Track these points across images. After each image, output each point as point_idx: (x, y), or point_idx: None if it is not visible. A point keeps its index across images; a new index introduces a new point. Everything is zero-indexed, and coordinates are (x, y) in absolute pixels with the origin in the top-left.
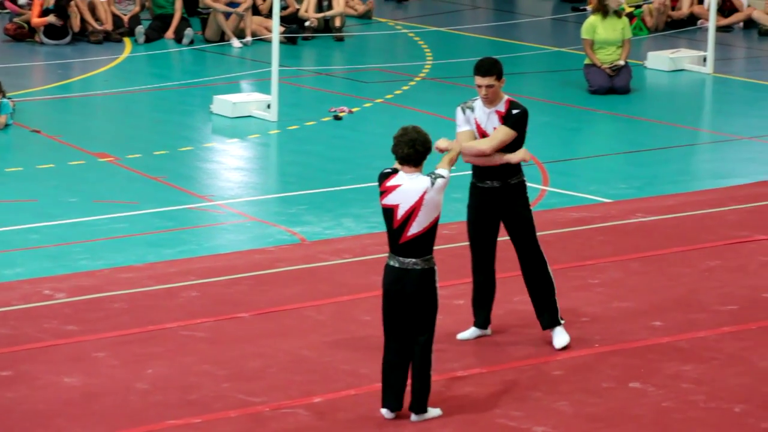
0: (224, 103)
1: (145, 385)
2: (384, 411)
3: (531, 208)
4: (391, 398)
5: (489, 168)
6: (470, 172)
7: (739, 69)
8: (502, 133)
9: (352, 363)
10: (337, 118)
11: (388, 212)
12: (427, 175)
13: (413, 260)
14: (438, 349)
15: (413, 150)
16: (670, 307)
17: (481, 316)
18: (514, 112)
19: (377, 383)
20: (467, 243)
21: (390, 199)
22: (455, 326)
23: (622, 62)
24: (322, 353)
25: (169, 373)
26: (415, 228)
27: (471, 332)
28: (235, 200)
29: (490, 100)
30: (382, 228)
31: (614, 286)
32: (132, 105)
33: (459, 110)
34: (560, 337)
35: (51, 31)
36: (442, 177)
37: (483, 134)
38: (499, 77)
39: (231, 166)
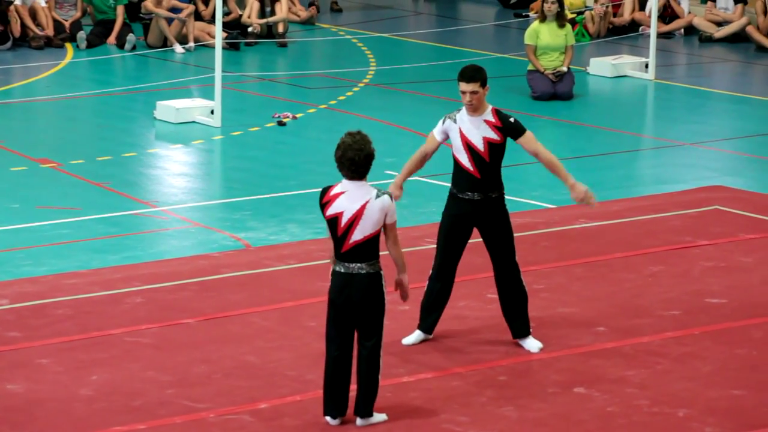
0: (167, 109)
1: (89, 391)
2: (328, 419)
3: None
4: (334, 405)
5: (471, 180)
6: (448, 183)
7: (680, 75)
8: (531, 139)
9: (297, 369)
10: (281, 123)
11: (333, 221)
12: (374, 188)
13: (359, 265)
14: (383, 354)
15: (354, 165)
16: (613, 312)
17: (429, 321)
18: (511, 120)
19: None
20: (411, 249)
21: (333, 208)
22: (400, 332)
23: (564, 68)
24: (267, 359)
25: (114, 379)
26: (358, 235)
27: (416, 336)
28: (179, 206)
29: (474, 108)
30: (325, 234)
31: (558, 291)
32: (74, 111)
33: (442, 119)
34: (532, 343)
35: None
36: (390, 198)
37: (467, 143)
38: (483, 84)
39: (175, 172)
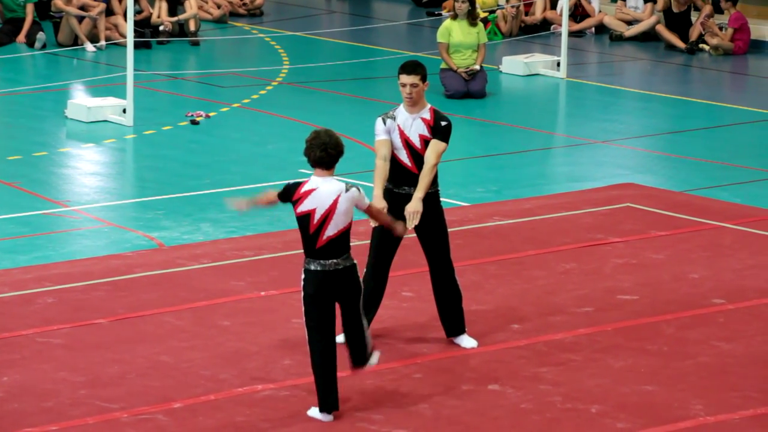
0: (79, 108)
1: (0, 392)
2: (323, 416)
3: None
4: (331, 399)
5: (408, 176)
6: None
7: (591, 73)
8: (440, 148)
9: (211, 368)
10: (194, 122)
11: (304, 218)
12: (343, 182)
13: (334, 261)
14: (298, 353)
15: (325, 153)
16: (527, 309)
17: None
18: (443, 124)
19: (237, 388)
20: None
21: (305, 205)
22: None
23: (477, 66)
24: (181, 359)
25: (25, 380)
26: (331, 230)
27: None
28: (91, 205)
29: (413, 102)
30: (239, 233)
31: (472, 289)
32: None
33: (379, 120)
34: (467, 341)
35: None
36: (357, 190)
37: (406, 140)
38: (423, 79)
39: (87, 171)
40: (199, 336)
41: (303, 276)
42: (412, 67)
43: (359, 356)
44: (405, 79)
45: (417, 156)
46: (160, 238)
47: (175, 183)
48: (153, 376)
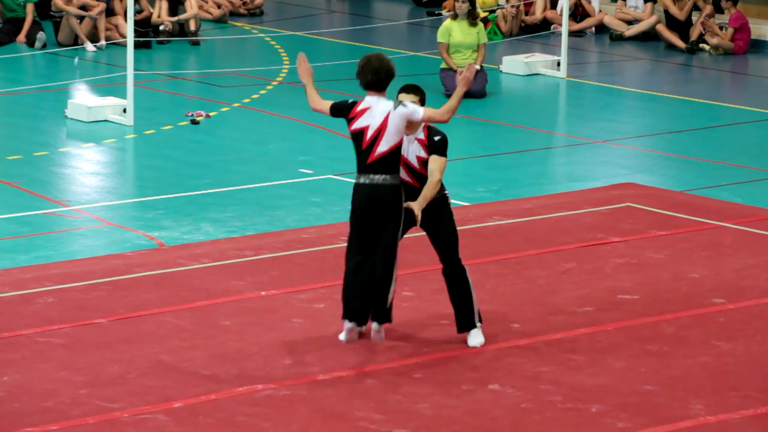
0: (79, 108)
1: (0, 392)
2: (348, 323)
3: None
4: (353, 307)
5: (412, 190)
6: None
7: (591, 73)
8: (440, 163)
9: (211, 368)
10: (194, 122)
11: (358, 135)
12: (392, 101)
13: (382, 176)
14: (298, 353)
15: (377, 77)
16: (527, 309)
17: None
18: (436, 139)
19: (238, 388)
20: (325, 247)
21: (359, 123)
22: (317, 329)
23: (477, 66)
24: (181, 358)
25: (25, 380)
26: (383, 146)
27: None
28: (91, 205)
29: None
30: (239, 232)
31: (473, 288)
32: None
33: None
34: (472, 339)
35: None
36: (405, 107)
37: (404, 161)
38: (422, 102)
39: (87, 171)
40: (200, 336)
41: (352, 191)
42: (411, 88)
43: (381, 309)
44: (403, 97)
45: (416, 173)
46: (160, 238)
47: (176, 183)
48: (153, 376)
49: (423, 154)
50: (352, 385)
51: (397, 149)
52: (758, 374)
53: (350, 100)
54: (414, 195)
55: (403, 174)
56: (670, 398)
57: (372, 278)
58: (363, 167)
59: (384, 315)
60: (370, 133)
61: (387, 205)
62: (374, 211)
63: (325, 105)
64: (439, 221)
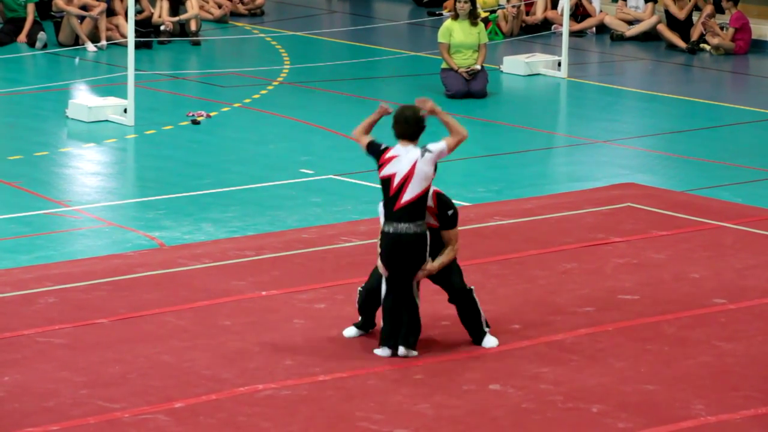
0: (80, 108)
1: (1, 392)
2: (383, 350)
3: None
4: (393, 338)
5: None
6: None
7: (592, 73)
8: (455, 234)
9: (212, 368)
10: (195, 122)
11: (386, 182)
12: (420, 148)
13: (406, 225)
14: (299, 353)
15: (408, 128)
16: (528, 309)
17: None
18: (450, 213)
19: (239, 387)
20: (326, 247)
21: (387, 170)
22: (318, 330)
23: (478, 66)
24: (182, 358)
25: (26, 380)
26: (408, 194)
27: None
28: (92, 205)
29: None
30: (240, 233)
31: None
32: None
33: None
34: (487, 341)
35: None
36: (430, 152)
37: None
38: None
39: (88, 171)
40: (201, 336)
41: (378, 238)
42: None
43: (409, 336)
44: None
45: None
46: (161, 238)
47: (176, 183)
48: (154, 376)
49: (431, 221)
50: (353, 386)
51: (423, 197)
52: (759, 374)
53: (383, 146)
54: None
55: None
56: (670, 398)
57: (402, 314)
58: (389, 215)
59: (412, 342)
60: (396, 181)
61: (412, 253)
62: (400, 258)
63: (364, 140)
64: (448, 266)
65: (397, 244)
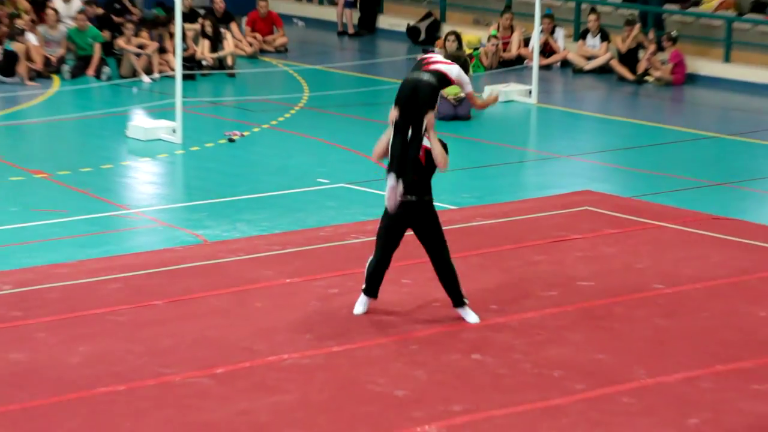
0: (137, 129)
1: (77, 359)
2: (365, 298)
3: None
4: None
5: (410, 184)
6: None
7: (558, 100)
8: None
9: (247, 341)
10: (231, 140)
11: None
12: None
13: (427, 75)
14: (317, 329)
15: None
16: (504, 293)
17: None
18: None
19: (268, 357)
20: (339, 243)
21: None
22: (332, 310)
23: (463, 94)
24: (222, 333)
25: (97, 350)
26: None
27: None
28: (148, 208)
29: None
30: (269, 231)
31: (460, 277)
32: (61, 130)
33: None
34: (471, 317)
35: (4, 70)
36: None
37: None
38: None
39: (144, 181)
40: (237, 315)
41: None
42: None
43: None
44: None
45: (417, 164)
46: (204, 235)
47: (216, 190)
48: (199, 347)
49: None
50: (361, 355)
51: (443, 74)
52: (689, 345)
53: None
54: (411, 188)
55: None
56: (618, 365)
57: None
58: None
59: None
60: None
61: (424, 94)
62: (412, 98)
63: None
64: (427, 224)
65: (412, 83)
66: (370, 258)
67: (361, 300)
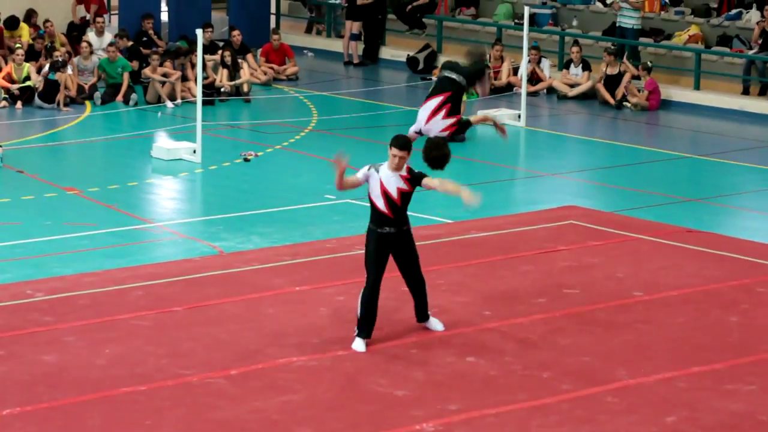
0: (161, 149)
1: (103, 361)
2: (361, 341)
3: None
4: (370, 329)
5: (386, 219)
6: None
7: (544, 123)
8: (430, 181)
9: (259, 344)
10: (246, 160)
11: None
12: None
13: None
14: (324, 334)
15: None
16: (496, 300)
17: (370, 327)
18: (416, 172)
19: (278, 359)
20: (344, 254)
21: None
22: (339, 316)
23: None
24: (237, 337)
25: (122, 352)
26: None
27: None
28: (170, 222)
29: (398, 167)
30: (280, 243)
31: (455, 285)
32: (92, 151)
33: (367, 167)
34: (437, 325)
35: (45, 97)
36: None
37: (385, 191)
38: (409, 153)
39: (167, 197)
40: (251, 320)
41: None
42: (402, 143)
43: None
44: (397, 152)
45: (393, 204)
46: (220, 247)
47: (232, 205)
48: (216, 350)
49: (404, 186)
50: (364, 358)
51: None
52: (667, 348)
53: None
54: (389, 223)
55: (381, 205)
56: (602, 366)
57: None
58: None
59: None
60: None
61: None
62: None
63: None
64: (406, 250)
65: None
66: (362, 289)
67: (358, 342)
